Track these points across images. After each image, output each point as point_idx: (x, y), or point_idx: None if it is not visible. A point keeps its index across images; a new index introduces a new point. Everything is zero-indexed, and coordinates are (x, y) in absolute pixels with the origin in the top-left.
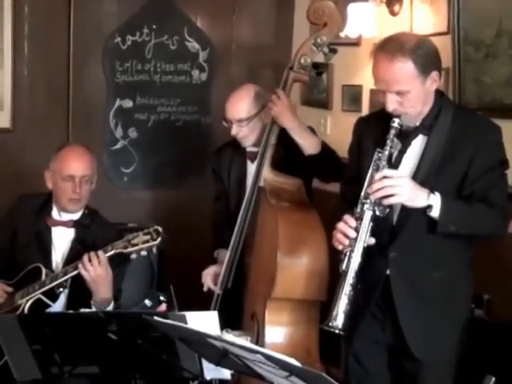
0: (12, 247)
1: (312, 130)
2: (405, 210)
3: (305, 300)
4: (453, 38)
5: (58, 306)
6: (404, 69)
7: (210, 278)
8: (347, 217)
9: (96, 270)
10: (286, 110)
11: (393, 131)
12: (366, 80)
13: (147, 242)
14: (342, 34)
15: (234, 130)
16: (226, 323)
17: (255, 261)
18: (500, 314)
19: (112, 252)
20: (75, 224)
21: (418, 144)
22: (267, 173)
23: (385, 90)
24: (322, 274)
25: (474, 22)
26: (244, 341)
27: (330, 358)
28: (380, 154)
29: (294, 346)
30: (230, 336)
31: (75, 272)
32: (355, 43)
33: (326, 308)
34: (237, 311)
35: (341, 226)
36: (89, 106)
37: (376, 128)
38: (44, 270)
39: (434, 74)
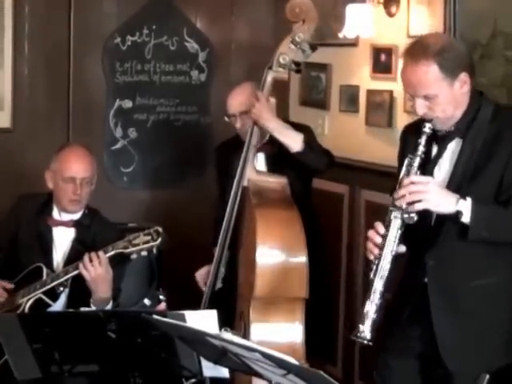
0: (13, 247)
1: (308, 129)
2: (441, 216)
3: (287, 298)
4: None
5: (58, 306)
6: (428, 72)
7: (202, 278)
8: (378, 224)
9: (96, 270)
10: (264, 112)
11: (424, 136)
12: (363, 80)
13: (148, 242)
14: (340, 35)
15: (239, 123)
16: (220, 323)
17: (242, 261)
18: None
19: (113, 252)
20: (76, 224)
21: (453, 148)
22: (251, 172)
23: (413, 94)
24: (302, 272)
25: (469, 22)
26: (242, 339)
27: (327, 356)
28: (411, 160)
29: (278, 344)
30: (228, 335)
31: (76, 272)
32: (353, 44)
33: (309, 306)
34: (229, 311)
35: (370, 233)
36: (89, 106)
37: (416, 134)
38: (45, 270)
39: (463, 75)
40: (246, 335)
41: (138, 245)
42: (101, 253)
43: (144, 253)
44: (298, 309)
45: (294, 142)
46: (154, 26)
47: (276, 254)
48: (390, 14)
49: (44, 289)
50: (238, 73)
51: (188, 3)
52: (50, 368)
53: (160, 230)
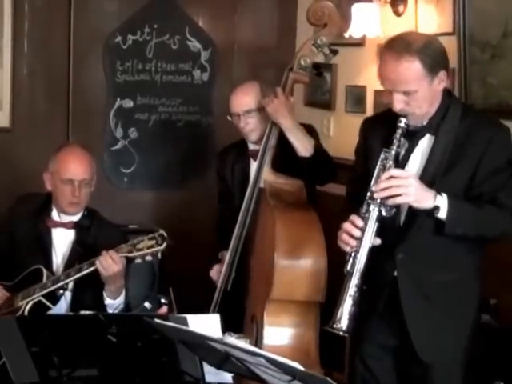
0: (11, 248)
1: (311, 129)
2: (412, 210)
3: (303, 301)
4: (458, 39)
5: (58, 309)
6: (411, 68)
7: (217, 275)
8: (354, 217)
9: (113, 268)
10: (282, 108)
11: (399, 131)
12: (370, 81)
13: (152, 246)
14: (346, 35)
15: (242, 123)
16: (227, 326)
17: (255, 263)
18: (507, 319)
19: None
20: (75, 225)
21: (425, 144)
22: (267, 174)
23: (392, 89)
24: (321, 275)
25: (479, 22)
26: (246, 344)
27: (333, 363)
28: (387, 154)
29: (292, 347)
30: (231, 339)
31: (90, 269)
32: (359, 43)
33: (325, 309)
34: (238, 314)
35: (346, 225)
36: (89, 105)
37: (383, 128)
38: (45, 272)
39: (442, 73)
40: (258, 338)
41: (142, 249)
42: (111, 252)
43: (148, 258)
44: (312, 312)
45: (303, 146)
46: (155, 25)
47: (295, 256)
48: (398, 14)
49: (44, 292)
50: (241, 72)
51: (191, 2)
52: (48, 372)
53: (165, 234)
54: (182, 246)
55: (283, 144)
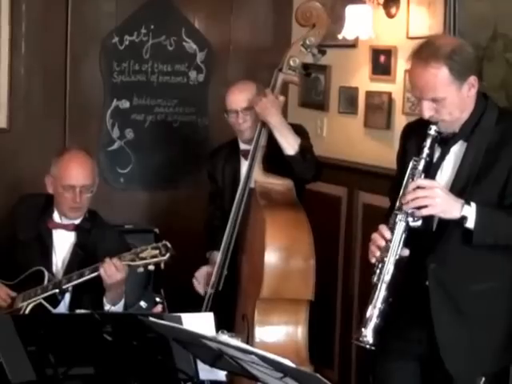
0: (12, 246)
1: (301, 128)
2: (443, 220)
3: (293, 300)
4: None
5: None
6: (438, 75)
7: (203, 278)
8: (382, 227)
9: (117, 276)
10: (269, 106)
11: (429, 139)
12: (362, 82)
13: (155, 256)
14: (340, 36)
15: (241, 119)
16: (218, 325)
17: (246, 262)
18: None
19: None
20: (76, 228)
21: (457, 151)
22: (258, 174)
23: (420, 97)
24: (310, 274)
25: (469, 24)
26: (238, 342)
27: (324, 360)
28: (416, 163)
29: (283, 345)
30: (224, 337)
31: (92, 275)
32: (352, 45)
33: (315, 307)
34: (229, 313)
35: (374, 236)
36: (86, 106)
37: (420, 134)
38: (47, 275)
39: (472, 79)
40: (249, 336)
41: (145, 258)
42: (115, 260)
43: (151, 267)
44: (302, 311)
45: (289, 144)
46: (152, 26)
47: (284, 255)
48: (390, 15)
49: (45, 294)
50: (237, 74)
51: (187, 3)
52: (44, 370)
53: (169, 245)
54: (177, 245)
55: (273, 144)
